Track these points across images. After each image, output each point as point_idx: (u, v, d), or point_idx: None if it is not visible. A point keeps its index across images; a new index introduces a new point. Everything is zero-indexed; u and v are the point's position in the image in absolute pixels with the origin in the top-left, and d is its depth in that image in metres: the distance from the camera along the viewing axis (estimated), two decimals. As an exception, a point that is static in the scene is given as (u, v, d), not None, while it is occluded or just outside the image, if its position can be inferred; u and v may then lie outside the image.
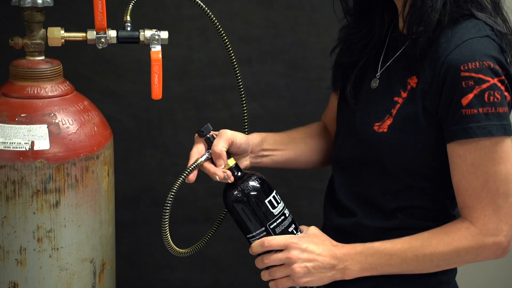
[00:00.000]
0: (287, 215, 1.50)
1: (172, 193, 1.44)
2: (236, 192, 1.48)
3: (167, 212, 1.45)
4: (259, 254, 1.48)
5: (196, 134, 1.52)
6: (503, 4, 1.48)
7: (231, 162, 1.50)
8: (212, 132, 1.52)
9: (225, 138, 1.50)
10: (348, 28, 1.58)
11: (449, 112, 1.38)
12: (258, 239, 1.48)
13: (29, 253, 1.51)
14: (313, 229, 1.50)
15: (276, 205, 1.48)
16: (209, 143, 1.51)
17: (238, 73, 1.62)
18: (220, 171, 1.47)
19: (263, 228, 1.48)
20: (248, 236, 1.50)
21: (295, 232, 1.49)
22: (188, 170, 1.46)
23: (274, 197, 1.49)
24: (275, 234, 1.48)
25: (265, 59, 2.26)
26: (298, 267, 1.44)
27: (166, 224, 1.45)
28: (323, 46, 2.22)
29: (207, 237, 1.57)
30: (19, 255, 1.51)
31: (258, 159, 1.60)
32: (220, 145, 1.49)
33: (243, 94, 1.63)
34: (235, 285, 2.40)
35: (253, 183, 1.48)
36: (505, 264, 2.48)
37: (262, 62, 2.26)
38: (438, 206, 1.48)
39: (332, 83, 1.62)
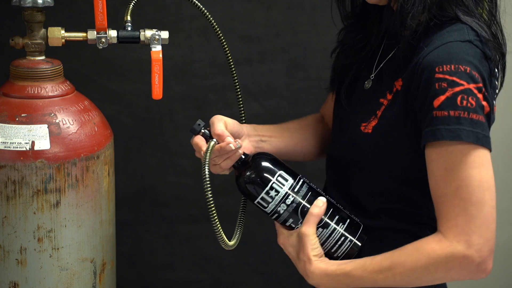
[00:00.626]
0: (288, 203, 1.47)
1: (208, 188, 1.39)
2: (246, 176, 1.48)
3: (212, 207, 1.40)
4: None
5: (193, 135, 1.52)
6: (503, 10, 1.47)
7: None
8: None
9: (217, 120, 1.51)
10: (347, 31, 1.58)
11: (422, 113, 1.36)
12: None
13: (30, 253, 1.51)
14: (302, 233, 1.45)
15: (270, 200, 1.46)
16: (206, 137, 1.51)
17: (235, 72, 1.63)
18: (232, 142, 1.47)
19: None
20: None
21: (293, 226, 1.47)
22: (207, 160, 1.42)
23: (272, 187, 1.47)
24: (284, 220, 1.48)
25: (265, 58, 2.26)
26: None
27: (216, 219, 1.40)
28: (323, 46, 2.22)
29: (240, 223, 1.57)
30: (19, 255, 1.51)
31: (259, 143, 1.60)
32: (218, 127, 1.49)
33: (239, 93, 1.64)
34: (236, 284, 2.40)
35: (259, 163, 1.48)
36: (504, 264, 2.48)
37: (262, 61, 2.26)
38: (422, 209, 1.47)
39: (330, 83, 1.63)
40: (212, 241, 1.61)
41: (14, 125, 1.49)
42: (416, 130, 1.39)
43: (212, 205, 1.39)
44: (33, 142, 1.48)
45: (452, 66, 1.33)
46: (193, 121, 2.28)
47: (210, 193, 1.39)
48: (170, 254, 2.37)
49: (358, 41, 1.56)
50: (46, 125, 1.50)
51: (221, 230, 1.42)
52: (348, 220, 1.48)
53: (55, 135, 1.50)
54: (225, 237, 1.44)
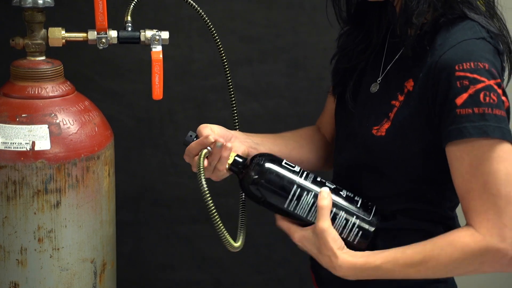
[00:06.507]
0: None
1: (207, 194, 1.39)
2: (250, 178, 1.46)
3: (215, 213, 1.39)
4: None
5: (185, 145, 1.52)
6: (497, 3, 1.47)
7: (232, 155, 1.50)
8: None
9: (203, 128, 1.51)
10: (346, 35, 1.58)
11: (443, 112, 1.36)
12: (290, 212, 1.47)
13: (30, 253, 1.51)
14: (320, 228, 1.43)
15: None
16: None
17: (229, 74, 1.63)
18: (215, 139, 1.47)
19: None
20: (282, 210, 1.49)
21: (304, 219, 1.46)
22: (202, 169, 1.43)
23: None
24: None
25: (266, 58, 2.26)
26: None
27: (220, 223, 1.40)
28: (323, 46, 2.22)
29: (242, 224, 1.56)
30: (19, 255, 1.51)
31: (252, 144, 1.58)
32: (205, 132, 1.49)
33: (233, 95, 1.64)
34: (236, 284, 2.40)
35: (261, 164, 1.47)
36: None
37: (263, 61, 2.26)
38: (437, 207, 1.47)
39: (332, 88, 1.62)
40: (212, 241, 1.62)
41: (14, 126, 1.49)
42: (430, 130, 1.40)
43: (214, 211, 1.39)
44: (33, 143, 1.48)
45: (472, 64, 1.34)
46: (194, 121, 2.29)
47: (210, 200, 1.38)
48: (170, 254, 2.37)
49: (359, 43, 1.55)
50: (47, 126, 1.50)
51: (226, 233, 1.40)
52: (359, 205, 1.46)
53: (55, 135, 1.50)
54: (231, 240, 1.42)
